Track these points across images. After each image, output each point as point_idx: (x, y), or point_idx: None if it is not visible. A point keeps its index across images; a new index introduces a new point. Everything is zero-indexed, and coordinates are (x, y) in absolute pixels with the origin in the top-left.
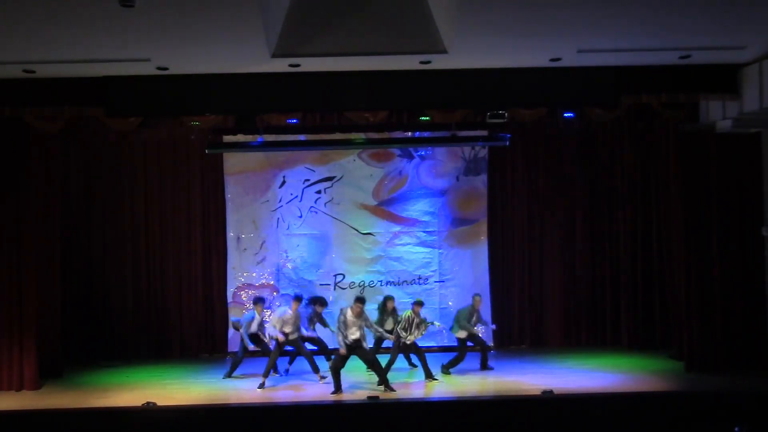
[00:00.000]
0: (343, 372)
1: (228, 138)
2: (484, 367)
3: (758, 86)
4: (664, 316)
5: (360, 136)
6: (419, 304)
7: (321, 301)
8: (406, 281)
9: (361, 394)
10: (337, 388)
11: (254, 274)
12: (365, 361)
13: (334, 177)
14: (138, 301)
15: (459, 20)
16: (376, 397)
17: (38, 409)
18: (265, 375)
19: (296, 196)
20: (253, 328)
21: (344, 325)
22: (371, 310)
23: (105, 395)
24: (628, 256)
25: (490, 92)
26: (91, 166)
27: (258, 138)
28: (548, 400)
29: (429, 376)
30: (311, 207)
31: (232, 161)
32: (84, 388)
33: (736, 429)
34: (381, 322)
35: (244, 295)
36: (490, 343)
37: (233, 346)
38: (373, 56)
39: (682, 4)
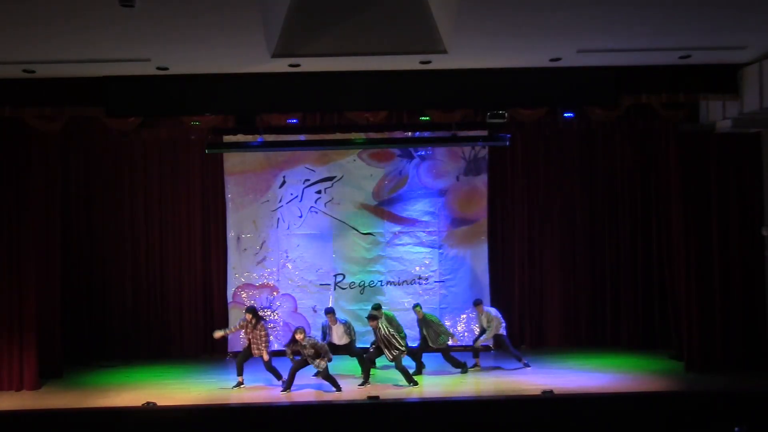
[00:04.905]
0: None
1: (228, 138)
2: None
3: (758, 86)
4: (664, 316)
5: (360, 136)
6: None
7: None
8: (406, 281)
9: (361, 394)
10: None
11: (254, 275)
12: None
13: (334, 177)
14: (138, 302)
15: (459, 20)
16: (376, 397)
17: (38, 409)
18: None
19: (296, 196)
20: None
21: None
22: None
23: (105, 395)
24: (627, 256)
25: (490, 92)
26: (91, 166)
27: (258, 138)
28: (548, 400)
29: (366, 380)
30: (311, 207)
31: (232, 161)
32: (84, 388)
33: (736, 429)
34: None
35: (244, 295)
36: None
37: (233, 346)
38: (373, 56)
39: (682, 4)
